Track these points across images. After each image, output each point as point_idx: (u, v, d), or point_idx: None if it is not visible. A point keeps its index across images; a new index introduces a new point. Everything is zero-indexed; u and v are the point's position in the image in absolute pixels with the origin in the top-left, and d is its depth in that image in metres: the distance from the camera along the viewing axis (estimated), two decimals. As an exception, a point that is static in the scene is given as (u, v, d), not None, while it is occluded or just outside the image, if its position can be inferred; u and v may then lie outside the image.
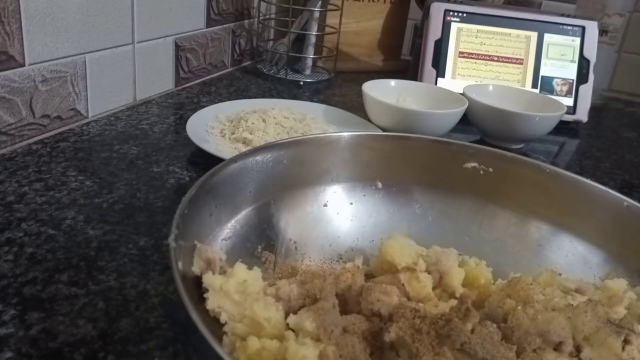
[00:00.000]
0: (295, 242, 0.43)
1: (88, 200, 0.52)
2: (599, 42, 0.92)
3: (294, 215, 0.44)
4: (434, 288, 0.38)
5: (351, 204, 0.47)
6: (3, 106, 0.58)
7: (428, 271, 0.39)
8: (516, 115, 0.74)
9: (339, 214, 0.46)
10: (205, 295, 0.31)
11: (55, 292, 0.39)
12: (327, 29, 1.05)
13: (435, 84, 0.89)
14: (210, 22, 0.92)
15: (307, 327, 0.30)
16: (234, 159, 0.39)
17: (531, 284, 0.36)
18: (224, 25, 0.97)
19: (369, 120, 0.76)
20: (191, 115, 0.69)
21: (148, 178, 0.58)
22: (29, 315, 0.37)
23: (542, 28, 0.91)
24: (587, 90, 0.91)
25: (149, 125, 0.71)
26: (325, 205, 0.46)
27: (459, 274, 0.39)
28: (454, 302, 0.36)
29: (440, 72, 0.90)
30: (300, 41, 1.06)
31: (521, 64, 0.90)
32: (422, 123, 0.71)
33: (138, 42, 0.76)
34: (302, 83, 0.99)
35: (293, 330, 0.31)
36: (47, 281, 0.41)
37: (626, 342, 0.32)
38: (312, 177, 0.46)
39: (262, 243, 0.41)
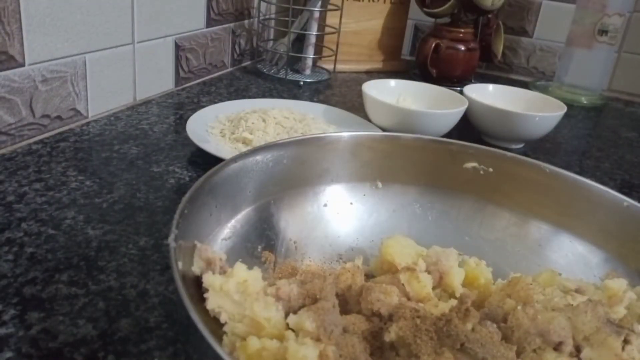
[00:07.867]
0: (295, 242, 0.43)
1: (88, 200, 0.52)
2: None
3: (294, 215, 0.44)
4: (434, 288, 0.38)
5: (351, 204, 0.47)
6: (3, 106, 0.58)
7: (428, 271, 0.39)
8: (516, 115, 0.74)
9: (339, 214, 0.46)
10: (205, 295, 0.31)
11: (55, 292, 0.39)
12: (327, 29, 1.05)
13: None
14: (210, 22, 0.92)
15: (307, 327, 0.30)
16: (234, 159, 0.39)
17: (531, 284, 0.36)
18: (224, 25, 0.97)
19: (369, 120, 0.76)
20: (191, 115, 0.69)
21: (148, 178, 0.58)
22: (29, 315, 0.37)
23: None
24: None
25: (149, 125, 0.71)
26: (325, 205, 0.46)
27: (459, 274, 0.39)
28: (454, 302, 0.36)
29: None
30: (300, 41, 1.06)
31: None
32: (422, 123, 0.71)
33: (138, 42, 0.76)
34: (302, 83, 0.99)
35: (293, 330, 0.31)
36: (47, 281, 0.41)
37: (626, 342, 0.32)
38: (312, 177, 0.46)
39: (262, 243, 0.41)
